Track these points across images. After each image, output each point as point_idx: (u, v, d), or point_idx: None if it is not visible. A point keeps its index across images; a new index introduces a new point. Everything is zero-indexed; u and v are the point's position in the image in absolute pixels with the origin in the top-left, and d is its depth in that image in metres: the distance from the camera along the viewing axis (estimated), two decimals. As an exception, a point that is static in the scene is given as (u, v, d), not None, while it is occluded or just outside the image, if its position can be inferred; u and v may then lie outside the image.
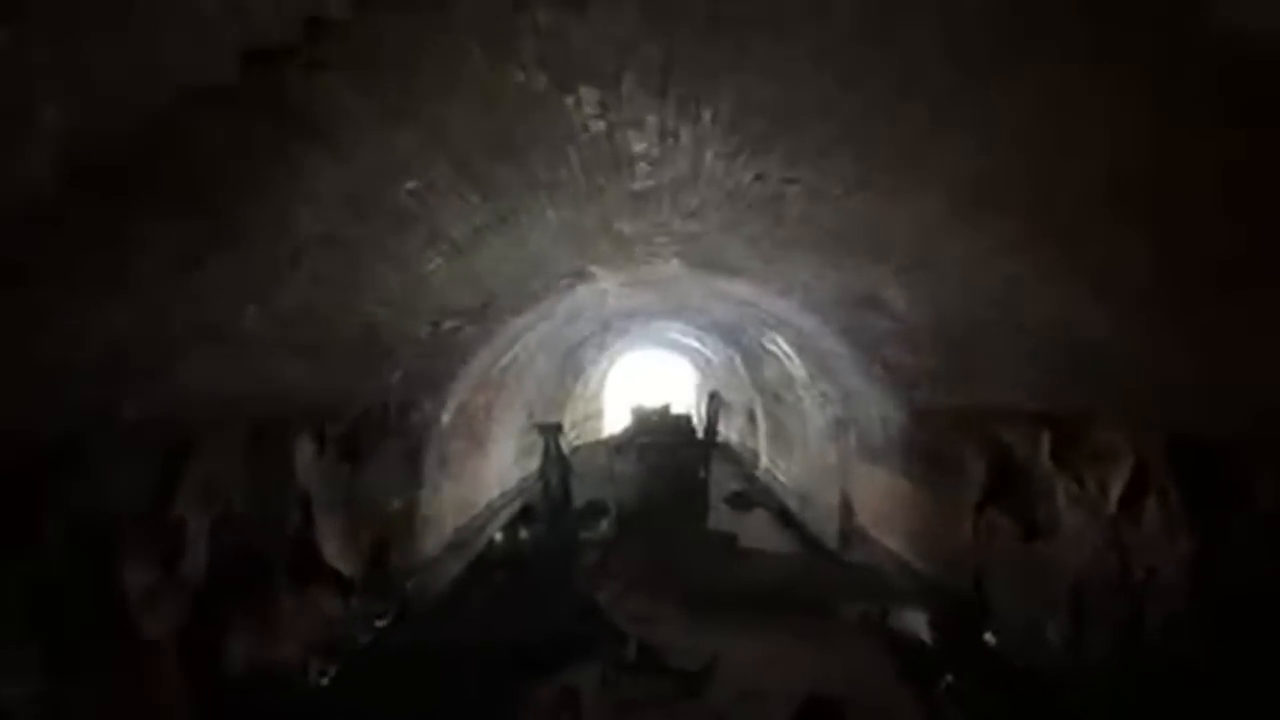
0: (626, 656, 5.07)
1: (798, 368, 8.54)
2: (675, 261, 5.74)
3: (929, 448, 5.67)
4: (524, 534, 8.73)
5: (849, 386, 7.08)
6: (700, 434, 9.95)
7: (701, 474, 9.16)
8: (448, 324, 4.93)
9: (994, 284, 3.49)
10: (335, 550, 4.64)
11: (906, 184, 3.08)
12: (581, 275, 5.98)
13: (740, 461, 15.01)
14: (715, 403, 10.32)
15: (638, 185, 3.74)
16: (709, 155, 3.30)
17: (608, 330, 11.65)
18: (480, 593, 6.64)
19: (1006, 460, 4.51)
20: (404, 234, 3.38)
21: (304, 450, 4.20)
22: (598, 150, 3.16)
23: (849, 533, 7.70)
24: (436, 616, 5.94)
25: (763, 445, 13.07)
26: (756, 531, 9.36)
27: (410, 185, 2.95)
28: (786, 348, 8.28)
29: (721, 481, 11.31)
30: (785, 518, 10.24)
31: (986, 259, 3.32)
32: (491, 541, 8.42)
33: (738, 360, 12.03)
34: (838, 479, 8.12)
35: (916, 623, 5.64)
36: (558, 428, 9.01)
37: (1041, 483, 4.13)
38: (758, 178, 3.51)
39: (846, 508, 7.84)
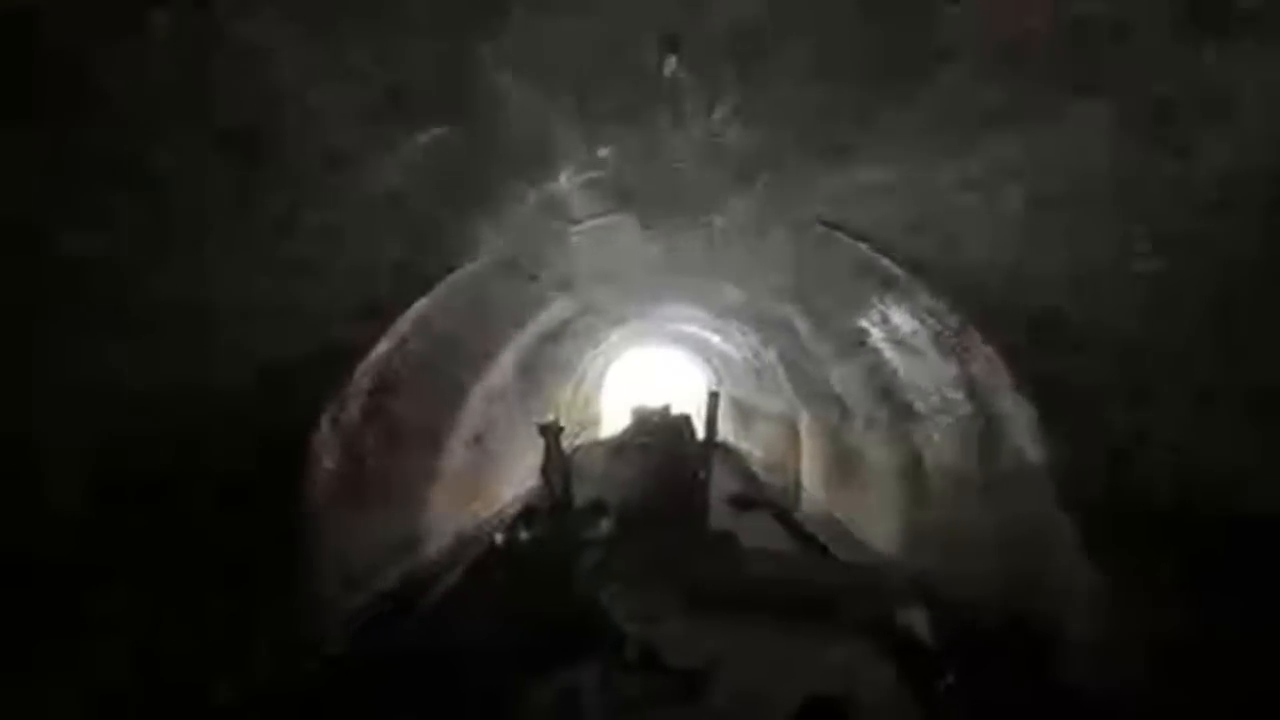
0: (627, 656, 5.07)
1: (925, 362, 5.01)
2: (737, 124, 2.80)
3: None
4: (524, 534, 8.73)
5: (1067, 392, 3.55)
6: (701, 435, 9.94)
7: (701, 474, 9.15)
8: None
9: None
10: None
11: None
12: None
13: (770, 498, 11.33)
14: (714, 402, 10.32)
15: None
16: None
17: (588, 312, 8.39)
18: (480, 593, 6.64)
19: None
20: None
21: None
22: None
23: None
24: (437, 616, 5.95)
25: (813, 480, 9.71)
26: (757, 531, 9.35)
27: None
28: (907, 326, 4.82)
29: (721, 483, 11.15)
30: (786, 518, 10.23)
31: None
32: (492, 542, 8.42)
33: (772, 356, 9.12)
34: (1014, 577, 4.52)
35: (917, 622, 5.63)
36: (559, 427, 9.01)
37: None
38: None
39: (1037, 644, 4.18)
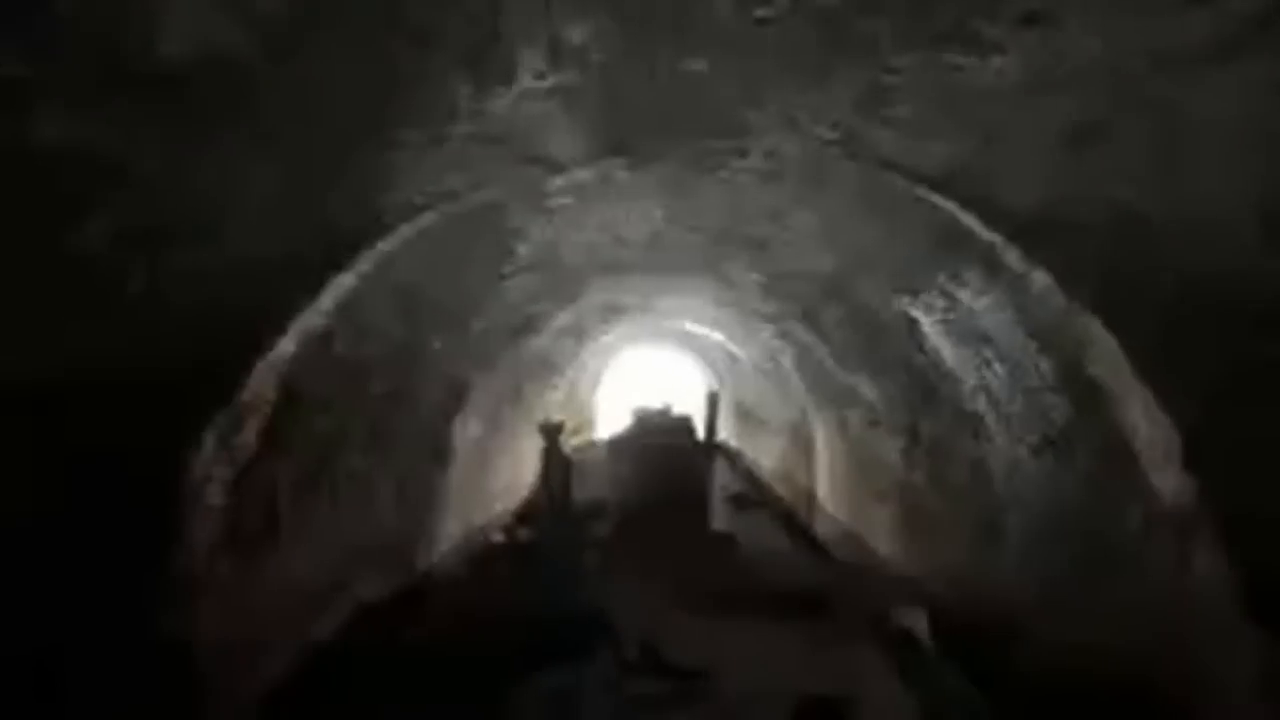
0: (626, 656, 5.07)
1: (1006, 359, 3.77)
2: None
3: None
4: (524, 534, 8.74)
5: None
6: (702, 435, 9.94)
7: (701, 474, 9.16)
8: None
9: None
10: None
11: None
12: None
13: (777, 511, 10.59)
14: (714, 402, 10.34)
15: None
16: None
17: (574, 300, 7.07)
18: (481, 592, 6.65)
19: None
20: None
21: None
22: None
23: None
24: (437, 616, 5.95)
25: (825, 492, 8.91)
26: (757, 531, 9.36)
27: None
28: (985, 310, 3.66)
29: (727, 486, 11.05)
30: (786, 518, 10.23)
31: None
32: (491, 542, 8.43)
33: (787, 354, 8.12)
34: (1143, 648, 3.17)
35: (917, 623, 5.63)
36: (559, 427, 9.01)
37: None
38: None
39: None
